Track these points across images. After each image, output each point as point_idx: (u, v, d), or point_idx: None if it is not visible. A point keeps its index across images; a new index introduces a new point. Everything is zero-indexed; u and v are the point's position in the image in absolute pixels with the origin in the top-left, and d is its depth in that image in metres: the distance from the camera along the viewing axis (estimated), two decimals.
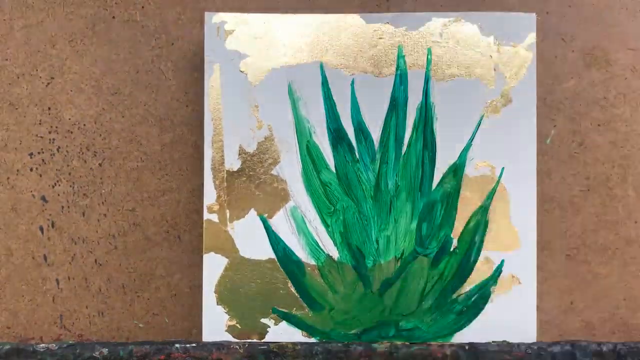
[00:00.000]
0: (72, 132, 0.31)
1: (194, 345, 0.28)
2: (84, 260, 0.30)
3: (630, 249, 0.30)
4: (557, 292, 0.30)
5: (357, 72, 0.30)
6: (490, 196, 0.29)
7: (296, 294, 0.29)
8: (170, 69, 0.31)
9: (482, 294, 0.29)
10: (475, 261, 0.29)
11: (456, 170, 0.30)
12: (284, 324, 0.29)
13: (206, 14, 0.30)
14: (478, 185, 0.30)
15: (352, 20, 0.30)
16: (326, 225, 0.30)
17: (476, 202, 0.30)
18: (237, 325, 0.29)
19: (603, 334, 0.30)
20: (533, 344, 0.28)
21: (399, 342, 0.29)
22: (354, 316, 0.30)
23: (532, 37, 0.29)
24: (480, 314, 0.29)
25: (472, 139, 0.29)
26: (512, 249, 0.28)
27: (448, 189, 0.30)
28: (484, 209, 0.29)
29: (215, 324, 0.29)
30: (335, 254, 0.30)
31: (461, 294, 0.29)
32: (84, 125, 0.31)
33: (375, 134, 0.30)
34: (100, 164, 0.30)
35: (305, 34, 0.30)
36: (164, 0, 0.31)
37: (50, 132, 0.31)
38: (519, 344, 0.28)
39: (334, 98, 0.30)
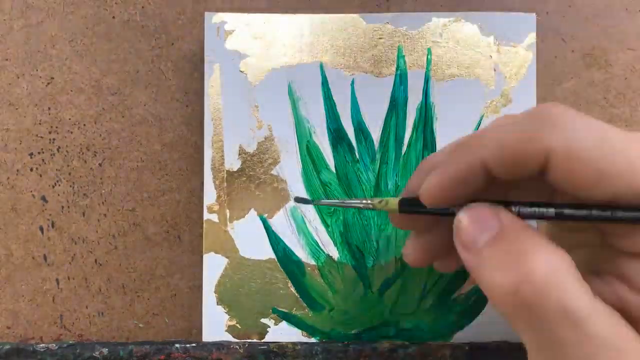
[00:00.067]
0: (72, 132, 0.31)
1: (194, 345, 0.28)
2: (84, 260, 0.30)
3: None
4: None
5: (357, 72, 0.30)
6: None
7: (296, 294, 0.29)
8: (170, 69, 0.31)
9: (482, 294, 0.29)
10: None
11: None
12: (284, 324, 0.29)
13: (206, 14, 0.30)
14: None
15: (352, 20, 0.30)
16: (326, 225, 0.30)
17: None
18: (237, 325, 0.29)
19: None
20: None
21: (399, 342, 0.29)
22: (354, 316, 0.30)
23: (532, 37, 0.29)
24: (480, 314, 0.29)
25: None
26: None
27: None
28: None
29: (215, 324, 0.29)
30: (335, 254, 0.30)
31: (461, 294, 0.29)
32: (84, 125, 0.31)
33: (375, 134, 0.30)
34: (100, 164, 0.30)
35: (305, 34, 0.30)
36: (164, 0, 0.31)
37: (50, 132, 0.31)
38: (519, 344, 0.28)
39: (334, 98, 0.30)
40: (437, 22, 0.30)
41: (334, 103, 0.30)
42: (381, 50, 0.30)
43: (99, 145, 0.31)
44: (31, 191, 0.30)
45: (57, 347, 0.28)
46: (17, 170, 0.30)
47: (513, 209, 0.19)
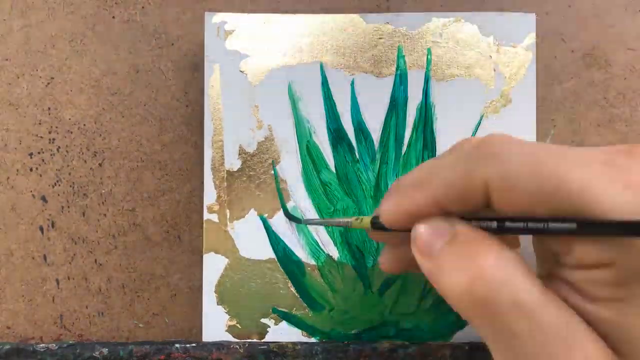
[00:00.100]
0: (72, 132, 0.31)
1: (194, 345, 0.28)
2: (84, 260, 0.30)
3: None
4: None
5: (357, 72, 0.30)
6: None
7: (296, 294, 0.29)
8: (170, 69, 0.31)
9: None
10: None
11: None
12: (284, 324, 0.29)
13: (206, 14, 0.30)
14: None
15: (352, 20, 0.30)
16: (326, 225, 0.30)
17: None
18: (237, 325, 0.29)
19: None
20: None
21: (399, 342, 0.29)
22: (354, 316, 0.30)
23: (531, 37, 0.29)
24: None
25: None
26: (513, 249, 0.28)
27: None
28: None
29: (215, 324, 0.29)
30: (335, 254, 0.30)
31: None
32: (84, 125, 0.31)
33: (375, 134, 0.30)
34: (100, 164, 0.30)
35: (305, 34, 0.30)
36: (164, 0, 0.31)
37: (50, 132, 0.31)
38: None
39: (334, 98, 0.30)
40: (437, 22, 0.30)
41: (334, 103, 0.30)
42: (381, 50, 0.30)
43: (99, 145, 0.31)
44: (31, 191, 0.30)
45: (57, 347, 0.28)
46: (17, 170, 0.30)
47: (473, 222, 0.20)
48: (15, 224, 0.30)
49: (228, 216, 0.29)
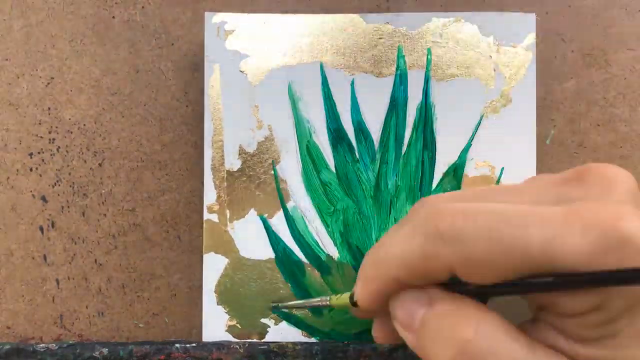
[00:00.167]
0: (72, 132, 0.31)
1: (194, 345, 0.28)
2: (84, 260, 0.30)
3: None
4: None
5: (357, 72, 0.30)
6: None
7: (296, 294, 0.29)
8: (170, 69, 0.31)
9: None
10: None
11: (456, 170, 0.30)
12: (284, 324, 0.29)
13: (206, 14, 0.30)
14: (478, 185, 0.30)
15: (352, 20, 0.30)
16: (326, 225, 0.30)
17: None
18: (237, 325, 0.29)
19: None
20: None
21: (399, 342, 0.29)
22: (354, 316, 0.30)
23: (531, 37, 0.30)
24: None
25: (472, 139, 0.30)
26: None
27: (448, 189, 0.30)
28: None
29: (215, 324, 0.29)
30: (335, 254, 0.30)
31: None
32: (84, 125, 0.31)
33: (375, 134, 0.30)
34: (100, 164, 0.30)
35: (305, 34, 0.30)
36: (164, 0, 0.31)
37: (50, 132, 0.31)
38: None
39: (334, 98, 0.30)
40: (437, 22, 0.30)
41: (334, 103, 0.30)
42: (381, 50, 0.30)
43: (99, 145, 0.31)
44: (31, 191, 0.30)
45: (57, 347, 0.28)
46: (17, 170, 0.30)
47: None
48: (15, 224, 0.30)
49: (228, 216, 0.29)
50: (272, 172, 0.30)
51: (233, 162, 0.30)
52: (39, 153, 0.30)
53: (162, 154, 0.31)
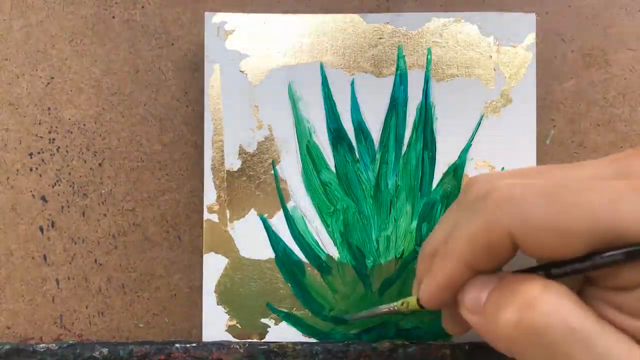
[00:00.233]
0: (72, 132, 0.31)
1: (194, 345, 0.28)
2: (84, 260, 0.30)
3: None
4: None
5: (357, 72, 0.30)
6: None
7: (296, 294, 0.29)
8: (170, 69, 0.31)
9: None
10: None
11: (456, 170, 0.30)
12: (284, 324, 0.29)
13: (206, 14, 0.30)
14: None
15: (352, 20, 0.30)
16: (326, 225, 0.30)
17: None
18: (237, 325, 0.29)
19: None
20: None
21: (399, 342, 0.29)
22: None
23: (531, 37, 0.29)
24: None
25: (472, 139, 0.30)
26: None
27: (448, 189, 0.30)
28: None
29: (215, 324, 0.29)
30: (335, 254, 0.30)
31: None
32: (84, 125, 0.31)
33: (375, 134, 0.30)
34: (100, 164, 0.30)
35: (305, 34, 0.30)
36: (164, 0, 0.31)
37: (50, 132, 0.31)
38: None
39: (334, 98, 0.30)
40: (437, 22, 0.30)
41: (334, 103, 0.30)
42: (381, 50, 0.30)
43: (99, 145, 0.31)
44: (31, 191, 0.30)
45: (57, 347, 0.28)
46: (17, 170, 0.30)
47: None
48: (15, 224, 0.30)
49: (228, 216, 0.29)
50: (272, 172, 0.30)
51: (233, 162, 0.30)
52: (39, 153, 0.30)
53: (162, 154, 0.31)
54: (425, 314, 0.29)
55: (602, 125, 0.31)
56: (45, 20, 0.31)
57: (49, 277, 0.30)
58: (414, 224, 0.30)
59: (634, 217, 0.16)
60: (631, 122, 0.31)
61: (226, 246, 0.29)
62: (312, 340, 0.29)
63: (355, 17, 0.30)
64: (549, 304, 0.17)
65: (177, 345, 0.28)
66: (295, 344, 0.29)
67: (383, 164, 0.30)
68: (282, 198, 0.30)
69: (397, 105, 0.30)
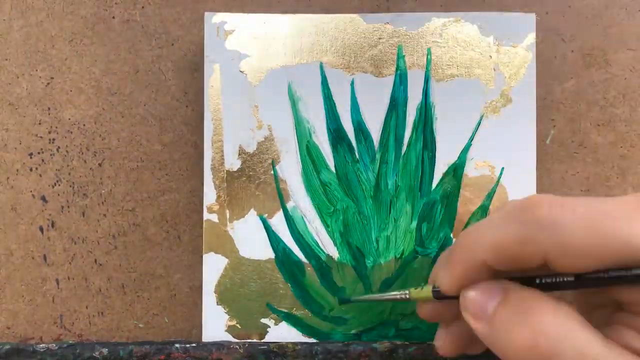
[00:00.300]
0: (72, 132, 0.31)
1: (194, 345, 0.28)
2: (84, 260, 0.30)
3: None
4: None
5: (357, 72, 0.30)
6: (490, 196, 0.29)
7: (296, 294, 0.29)
8: (170, 69, 0.31)
9: None
10: None
11: (456, 170, 0.30)
12: (284, 324, 0.29)
13: (206, 14, 0.30)
14: (478, 185, 0.30)
15: (352, 20, 0.30)
16: (326, 225, 0.30)
17: (476, 202, 0.30)
18: (237, 325, 0.29)
19: None
20: None
21: (399, 342, 0.29)
22: (353, 316, 0.30)
23: (531, 37, 0.29)
24: None
25: (472, 139, 0.30)
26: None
27: (448, 189, 0.30)
28: (484, 209, 0.29)
29: (215, 324, 0.29)
30: (335, 254, 0.30)
31: None
32: (84, 125, 0.31)
33: (375, 134, 0.30)
34: (100, 164, 0.30)
35: (305, 34, 0.30)
36: (164, 0, 0.31)
37: (50, 132, 0.31)
38: None
39: (334, 98, 0.30)
40: (437, 22, 0.30)
41: (334, 103, 0.30)
42: (381, 50, 0.30)
43: (99, 145, 0.31)
44: (31, 191, 0.30)
45: (57, 347, 0.28)
46: (17, 170, 0.30)
47: (537, 281, 0.20)
48: (15, 224, 0.30)
49: (228, 216, 0.29)
50: (272, 172, 0.30)
51: (233, 162, 0.30)
52: (39, 153, 0.30)
53: (162, 154, 0.31)
54: None
55: (602, 125, 0.31)
56: (45, 21, 0.31)
57: (49, 277, 0.30)
58: (414, 224, 0.30)
59: None
60: (631, 122, 0.31)
61: (226, 246, 0.29)
62: (312, 340, 0.29)
63: (355, 17, 0.30)
64: (561, 330, 0.18)
65: (177, 345, 0.28)
66: (295, 344, 0.29)
67: (383, 164, 0.30)
68: (282, 198, 0.30)
69: (397, 105, 0.30)
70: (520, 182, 0.29)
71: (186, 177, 0.30)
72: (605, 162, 0.30)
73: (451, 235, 0.29)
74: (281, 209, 0.30)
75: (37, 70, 0.31)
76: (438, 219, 0.30)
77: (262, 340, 0.29)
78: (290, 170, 0.30)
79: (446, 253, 0.25)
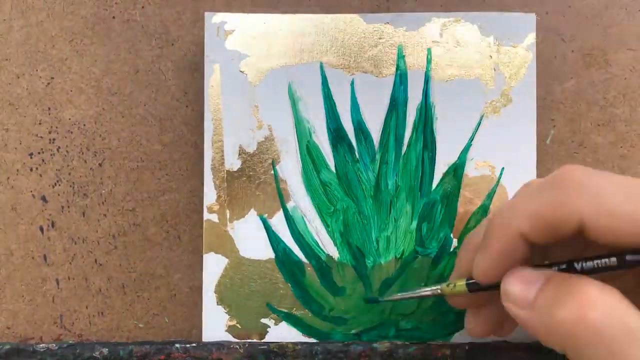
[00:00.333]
0: (72, 132, 0.31)
1: (194, 345, 0.28)
2: (84, 260, 0.30)
3: None
4: None
5: (357, 72, 0.30)
6: (490, 196, 0.29)
7: (296, 294, 0.29)
8: (170, 69, 0.31)
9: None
10: None
11: (456, 170, 0.30)
12: (284, 324, 0.29)
13: (206, 14, 0.30)
14: (478, 185, 0.30)
15: (352, 21, 0.30)
16: (326, 225, 0.30)
17: (476, 202, 0.30)
18: (237, 325, 0.29)
19: None
20: (533, 343, 0.28)
21: (399, 342, 0.29)
22: (353, 316, 0.30)
23: (532, 37, 0.29)
24: None
25: (472, 139, 0.30)
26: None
27: (448, 189, 0.30)
28: (484, 209, 0.29)
29: (215, 324, 0.29)
30: (335, 254, 0.30)
31: None
32: (84, 125, 0.31)
33: (375, 134, 0.30)
34: (100, 164, 0.30)
35: (305, 34, 0.30)
36: (164, 0, 0.31)
37: (50, 132, 0.31)
38: (518, 344, 0.28)
39: (334, 98, 0.30)
40: (437, 22, 0.30)
41: (334, 103, 0.30)
42: (381, 50, 0.30)
43: (99, 145, 0.31)
44: (31, 191, 0.30)
45: (57, 347, 0.28)
46: (17, 170, 0.30)
47: (576, 265, 0.20)
48: (15, 224, 0.30)
49: (228, 216, 0.29)
50: (272, 172, 0.30)
51: (233, 162, 0.30)
52: (39, 153, 0.30)
53: (162, 154, 0.31)
54: (425, 314, 0.29)
55: (602, 125, 0.31)
56: (45, 21, 0.31)
57: (49, 277, 0.30)
58: (414, 224, 0.30)
59: None
60: (631, 122, 0.31)
61: (226, 246, 0.29)
62: (312, 340, 0.29)
63: (355, 17, 0.30)
64: (608, 305, 0.18)
65: (177, 345, 0.28)
66: (295, 344, 0.29)
67: (383, 164, 0.30)
68: (282, 198, 0.30)
69: (397, 105, 0.30)
70: (520, 182, 0.29)
71: (186, 177, 0.30)
72: (605, 162, 0.30)
73: (451, 235, 0.29)
74: (281, 209, 0.30)
75: (37, 70, 0.31)
76: (438, 219, 0.30)
77: (262, 340, 0.29)
78: (291, 170, 0.30)
79: (473, 238, 0.25)
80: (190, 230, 0.30)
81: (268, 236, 0.29)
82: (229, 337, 0.29)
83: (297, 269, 0.29)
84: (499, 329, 0.26)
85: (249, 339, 0.29)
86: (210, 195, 0.29)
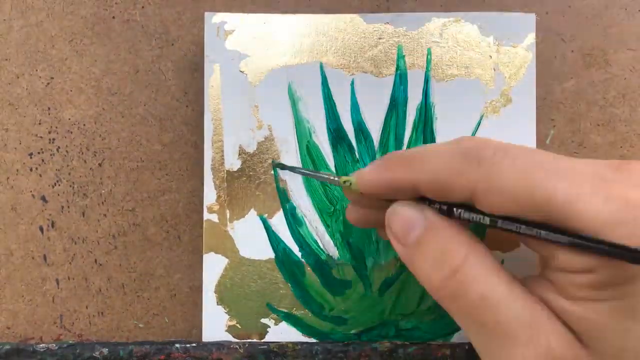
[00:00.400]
0: (72, 132, 0.31)
1: (194, 345, 0.28)
2: (84, 260, 0.30)
3: None
4: None
5: (357, 72, 0.30)
6: None
7: (296, 294, 0.29)
8: (170, 69, 0.31)
9: None
10: None
11: None
12: (284, 324, 0.29)
13: (206, 14, 0.30)
14: None
15: (352, 20, 0.30)
16: (326, 225, 0.30)
17: None
18: (237, 325, 0.29)
19: None
20: None
21: (399, 342, 0.29)
22: (353, 316, 0.30)
23: (531, 37, 0.30)
24: None
25: None
26: (513, 249, 0.28)
27: None
28: None
29: (215, 324, 0.29)
30: (335, 254, 0.30)
31: None
32: (84, 125, 0.31)
33: (375, 134, 0.30)
34: (100, 164, 0.30)
35: (305, 34, 0.30)
36: (164, 0, 0.31)
37: (50, 132, 0.31)
38: None
39: (334, 98, 0.30)
40: (437, 22, 0.30)
41: (334, 103, 0.30)
42: (381, 50, 0.30)
43: (99, 145, 0.31)
44: (31, 191, 0.30)
45: (57, 347, 0.28)
46: (17, 170, 0.30)
47: (455, 211, 0.21)
48: (15, 224, 0.30)
49: (228, 216, 0.29)
50: (272, 172, 0.30)
51: (233, 162, 0.30)
52: (39, 153, 0.30)
53: (162, 154, 0.31)
54: (425, 314, 0.29)
55: (602, 125, 0.31)
56: (45, 20, 0.31)
57: (49, 277, 0.30)
58: None
59: (587, 210, 0.18)
60: (631, 122, 0.31)
61: (226, 246, 0.29)
62: (312, 340, 0.29)
63: (355, 17, 0.30)
64: (470, 274, 0.20)
65: (177, 345, 0.28)
66: (295, 344, 0.29)
67: None
68: (282, 198, 0.30)
69: (397, 105, 0.30)
70: None
71: (186, 177, 0.30)
72: None
73: None
74: (281, 209, 0.30)
75: (37, 70, 0.31)
76: None
77: (262, 340, 0.29)
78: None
79: (387, 156, 0.25)
80: (190, 230, 0.30)
81: (268, 236, 0.29)
82: (229, 337, 0.29)
83: (297, 269, 0.29)
84: (378, 225, 0.26)
85: (249, 339, 0.29)
86: (210, 195, 0.29)
